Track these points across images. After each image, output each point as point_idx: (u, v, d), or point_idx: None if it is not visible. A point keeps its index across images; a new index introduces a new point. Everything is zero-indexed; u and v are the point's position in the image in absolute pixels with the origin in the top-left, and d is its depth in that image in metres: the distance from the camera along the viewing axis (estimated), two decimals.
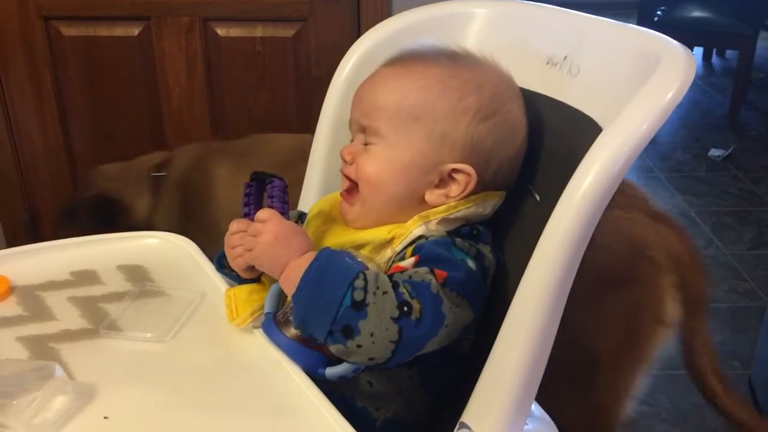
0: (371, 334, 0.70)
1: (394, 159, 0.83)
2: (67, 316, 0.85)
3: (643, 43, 0.79)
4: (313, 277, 0.73)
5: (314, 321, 0.73)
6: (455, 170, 0.83)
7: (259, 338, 0.81)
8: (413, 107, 0.83)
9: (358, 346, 0.71)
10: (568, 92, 0.86)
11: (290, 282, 0.75)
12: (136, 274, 0.94)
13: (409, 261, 0.78)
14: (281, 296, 0.83)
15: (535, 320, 0.71)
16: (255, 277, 0.86)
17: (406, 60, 0.87)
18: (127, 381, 0.76)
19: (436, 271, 0.75)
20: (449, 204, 0.83)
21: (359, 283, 0.71)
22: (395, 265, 0.79)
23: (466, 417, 0.76)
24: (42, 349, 0.79)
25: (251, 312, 0.82)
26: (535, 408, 0.92)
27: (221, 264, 0.90)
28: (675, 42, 0.76)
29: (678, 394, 1.89)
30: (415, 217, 0.82)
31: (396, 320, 0.71)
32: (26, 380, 0.69)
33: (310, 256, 0.76)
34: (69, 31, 1.79)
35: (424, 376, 0.82)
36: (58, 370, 0.71)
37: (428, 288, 0.73)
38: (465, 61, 0.87)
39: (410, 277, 0.74)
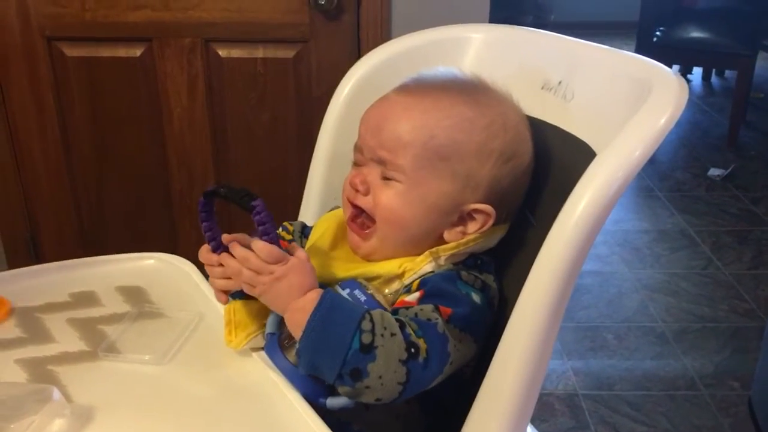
0: (380, 377, 0.71)
1: (418, 199, 0.82)
2: (65, 338, 0.86)
3: (636, 69, 0.80)
4: (319, 322, 0.72)
5: (323, 365, 0.72)
6: (476, 210, 0.83)
7: (257, 361, 0.81)
8: (441, 147, 0.81)
9: (367, 388, 0.71)
10: (562, 117, 0.87)
11: (296, 324, 0.74)
12: (135, 295, 0.94)
13: (414, 296, 0.78)
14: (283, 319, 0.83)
15: (530, 344, 0.71)
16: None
17: (428, 90, 0.84)
18: (125, 404, 0.76)
19: (441, 308, 0.75)
20: (459, 241, 0.83)
21: (366, 325, 0.71)
22: (401, 298, 0.79)
23: None
24: (40, 371, 0.80)
25: (246, 334, 0.82)
26: (531, 430, 0.92)
27: None
28: (667, 68, 0.77)
29: (677, 414, 1.88)
30: (426, 253, 0.82)
31: (404, 362, 0.71)
32: (24, 403, 0.70)
33: (313, 297, 0.74)
34: (72, 51, 1.80)
35: (423, 402, 0.82)
36: (56, 393, 0.72)
37: (434, 328, 0.74)
38: (487, 97, 0.85)
39: (416, 315, 0.74)
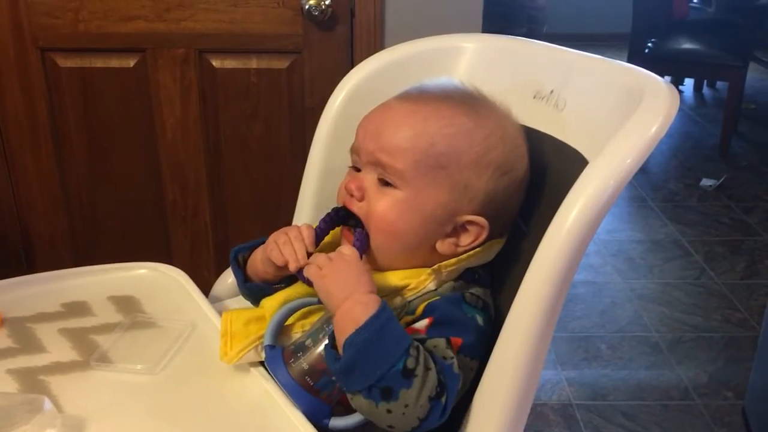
0: (406, 405, 0.69)
1: (416, 208, 0.81)
2: (57, 348, 0.85)
3: (627, 79, 0.81)
4: (377, 327, 0.71)
5: (361, 370, 0.70)
6: (469, 221, 0.83)
7: (250, 372, 0.81)
8: (441, 155, 0.80)
9: (388, 411, 0.70)
10: (554, 126, 0.88)
11: (352, 317, 0.72)
12: (127, 305, 0.94)
13: (423, 323, 0.77)
14: (281, 330, 0.82)
15: (523, 353, 0.71)
16: (271, 279, 0.87)
17: (429, 99, 0.84)
18: (117, 414, 0.76)
19: (452, 339, 0.75)
20: (460, 257, 0.83)
21: (414, 352, 0.71)
22: (409, 327, 0.78)
23: None
24: (32, 381, 0.79)
25: (241, 348, 0.81)
26: None
27: (236, 257, 0.92)
28: (658, 77, 0.78)
29: (671, 424, 1.88)
30: (429, 271, 0.82)
31: (431, 399, 0.70)
32: (15, 414, 0.69)
33: (378, 300, 0.74)
34: (65, 62, 1.80)
35: None
36: (47, 404, 0.71)
37: (451, 369, 0.73)
38: (487, 109, 0.85)
39: (431, 352, 0.73)
